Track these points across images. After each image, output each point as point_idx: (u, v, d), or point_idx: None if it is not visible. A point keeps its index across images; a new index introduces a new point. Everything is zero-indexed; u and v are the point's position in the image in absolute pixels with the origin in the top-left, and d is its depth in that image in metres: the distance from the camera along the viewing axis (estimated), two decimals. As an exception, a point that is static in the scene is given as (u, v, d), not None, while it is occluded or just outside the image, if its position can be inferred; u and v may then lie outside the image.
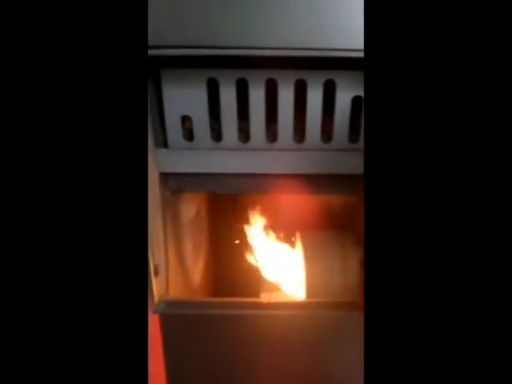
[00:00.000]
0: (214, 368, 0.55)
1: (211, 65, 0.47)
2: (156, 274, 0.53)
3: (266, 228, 0.76)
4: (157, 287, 0.54)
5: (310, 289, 0.68)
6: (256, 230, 0.76)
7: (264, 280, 0.79)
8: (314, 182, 0.54)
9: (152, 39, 0.42)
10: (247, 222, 0.76)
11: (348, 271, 0.70)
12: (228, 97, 0.49)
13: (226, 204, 0.80)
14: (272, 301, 0.56)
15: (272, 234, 0.76)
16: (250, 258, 0.76)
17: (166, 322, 0.53)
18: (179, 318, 0.54)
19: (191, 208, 0.72)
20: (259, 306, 0.55)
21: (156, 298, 0.54)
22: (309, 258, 0.69)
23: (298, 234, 0.74)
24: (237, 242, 0.76)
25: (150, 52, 0.41)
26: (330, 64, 0.47)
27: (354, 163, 0.52)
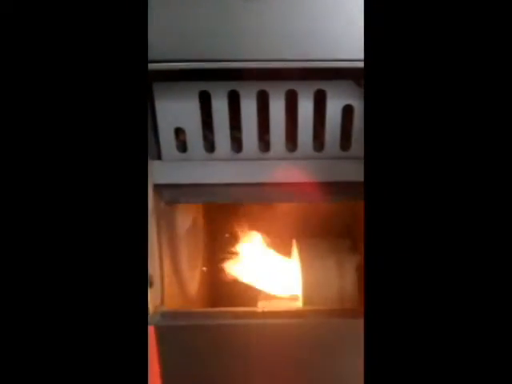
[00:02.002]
0: (210, 378, 0.55)
1: (203, 77, 0.48)
2: (151, 285, 0.53)
3: (261, 237, 0.76)
4: (152, 298, 0.54)
5: (306, 297, 0.68)
6: (251, 239, 0.76)
7: (261, 289, 0.79)
8: (308, 190, 0.55)
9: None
10: (242, 231, 0.76)
11: (344, 279, 0.70)
12: (220, 108, 0.49)
13: (221, 214, 0.81)
14: (268, 309, 0.56)
15: (267, 243, 0.76)
16: (244, 269, 0.76)
17: (161, 333, 0.53)
18: (174, 329, 0.53)
19: (186, 219, 0.72)
20: (255, 315, 0.55)
21: (151, 310, 0.53)
22: (305, 266, 0.70)
23: (293, 242, 0.74)
24: (232, 251, 0.76)
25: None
26: (321, 74, 0.48)
27: (347, 171, 0.53)
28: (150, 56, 0.43)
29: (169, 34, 0.43)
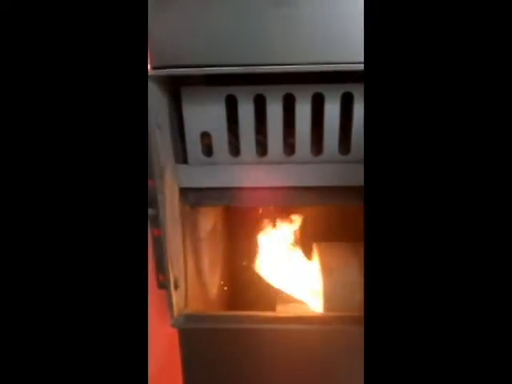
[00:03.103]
0: (231, 381, 0.55)
1: (229, 82, 0.48)
2: (176, 287, 0.54)
3: (282, 240, 0.76)
4: (176, 301, 0.54)
5: (327, 302, 0.67)
6: (273, 242, 0.76)
7: (280, 292, 0.78)
8: (333, 193, 0.54)
9: (171, 59, 0.43)
10: (264, 234, 0.76)
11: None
12: (246, 112, 0.50)
13: (242, 217, 0.81)
14: (288, 315, 0.56)
15: (289, 246, 0.76)
16: (264, 272, 0.76)
17: (185, 335, 0.53)
18: (197, 332, 0.54)
19: (208, 221, 0.73)
20: (276, 320, 0.54)
21: (175, 312, 0.54)
22: (326, 270, 0.69)
23: (315, 246, 0.73)
24: (252, 254, 0.76)
25: (170, 72, 0.43)
26: (347, 77, 0.47)
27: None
28: (178, 61, 0.43)
29: (196, 40, 0.43)
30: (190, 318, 0.55)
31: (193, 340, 0.55)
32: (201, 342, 0.55)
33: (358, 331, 0.52)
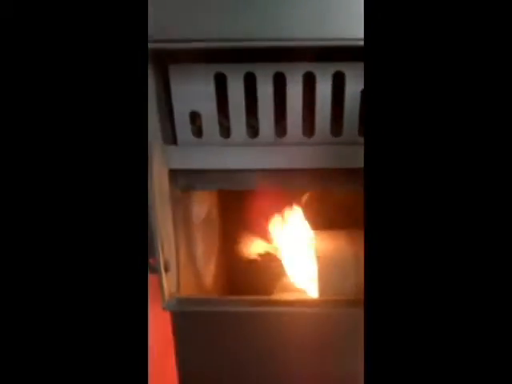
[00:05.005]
0: (225, 364, 0.55)
1: (219, 59, 0.47)
2: (166, 270, 0.53)
3: (277, 226, 0.75)
4: (167, 284, 0.53)
5: (323, 288, 0.67)
6: (268, 227, 0.75)
7: (277, 280, 0.78)
8: (325, 176, 0.53)
9: (158, 33, 0.42)
10: (259, 220, 0.76)
11: (362, 271, 0.68)
12: (236, 91, 0.49)
13: (236, 203, 0.80)
14: (281, 298, 0.55)
15: (284, 232, 0.75)
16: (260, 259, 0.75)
17: (177, 319, 0.53)
18: (190, 315, 0.53)
19: (202, 208, 0.72)
20: (270, 303, 0.54)
21: (166, 296, 0.53)
22: (322, 257, 0.68)
23: (311, 232, 0.72)
24: (248, 241, 0.75)
25: (157, 46, 0.42)
26: (339, 55, 0.46)
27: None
28: (165, 35, 0.42)
29: (184, 13, 0.42)
30: (181, 301, 0.54)
31: (185, 323, 0.54)
32: (193, 325, 0.55)
33: (351, 313, 0.52)
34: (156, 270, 0.53)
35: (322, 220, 0.75)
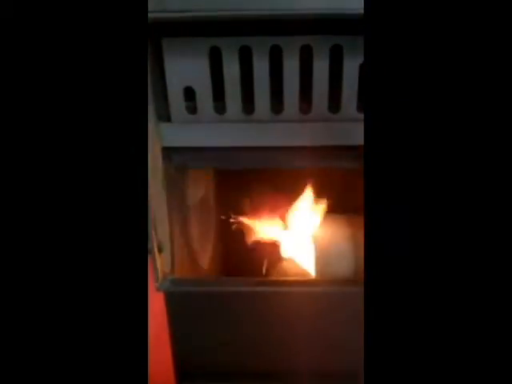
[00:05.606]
0: (219, 345, 0.54)
1: (213, 33, 0.45)
2: (160, 250, 0.52)
3: (274, 206, 0.74)
4: (161, 265, 0.53)
5: (321, 272, 0.66)
6: (264, 208, 0.74)
7: (276, 264, 0.77)
8: (322, 154, 0.52)
9: (152, 4, 0.40)
10: (258, 201, 0.75)
11: (358, 254, 0.68)
12: (231, 66, 0.47)
13: (232, 185, 0.79)
14: (276, 278, 0.55)
15: (281, 213, 0.74)
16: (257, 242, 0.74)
17: (171, 299, 0.52)
18: (183, 295, 0.53)
19: (197, 189, 0.71)
20: (264, 283, 0.53)
21: (160, 276, 0.53)
22: (318, 238, 0.68)
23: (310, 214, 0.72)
24: (244, 224, 0.74)
25: (152, 16, 0.40)
26: (337, 28, 0.45)
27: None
28: (159, 7, 0.41)
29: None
30: (175, 281, 0.54)
31: (178, 304, 0.53)
32: (187, 305, 0.54)
33: (347, 292, 0.51)
34: (149, 251, 0.52)
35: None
